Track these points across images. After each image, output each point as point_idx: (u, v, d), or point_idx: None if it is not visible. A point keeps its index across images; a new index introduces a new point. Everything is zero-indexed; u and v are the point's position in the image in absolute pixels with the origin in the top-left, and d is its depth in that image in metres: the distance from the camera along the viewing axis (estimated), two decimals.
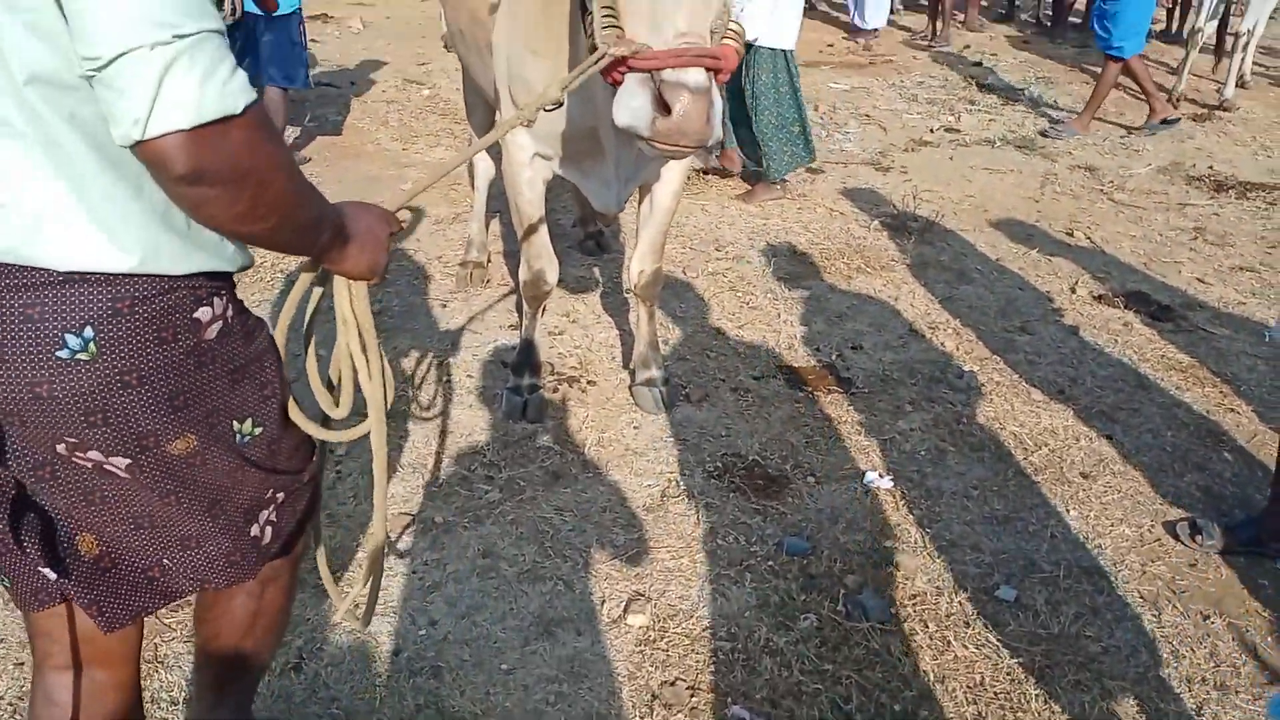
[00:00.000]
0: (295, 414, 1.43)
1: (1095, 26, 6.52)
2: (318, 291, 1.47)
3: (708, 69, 1.67)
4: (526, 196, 2.67)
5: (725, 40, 1.75)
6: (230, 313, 1.30)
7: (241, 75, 1.07)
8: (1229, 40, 7.78)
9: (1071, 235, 4.86)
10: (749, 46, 4.66)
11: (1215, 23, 7.80)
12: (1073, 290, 4.22)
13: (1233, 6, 7.97)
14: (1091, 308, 4.09)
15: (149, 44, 0.98)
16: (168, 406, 1.22)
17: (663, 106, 1.65)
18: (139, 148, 1.03)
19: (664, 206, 2.90)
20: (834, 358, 3.60)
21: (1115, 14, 6.33)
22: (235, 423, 1.33)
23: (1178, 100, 7.43)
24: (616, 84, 1.73)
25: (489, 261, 4.19)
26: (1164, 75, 8.43)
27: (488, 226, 4.28)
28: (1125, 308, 4.07)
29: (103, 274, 1.14)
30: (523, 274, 2.89)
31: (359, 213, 1.38)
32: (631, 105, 1.68)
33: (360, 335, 1.44)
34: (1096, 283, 4.30)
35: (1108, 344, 3.78)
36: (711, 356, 3.58)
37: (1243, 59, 7.59)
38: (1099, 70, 8.54)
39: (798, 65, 4.98)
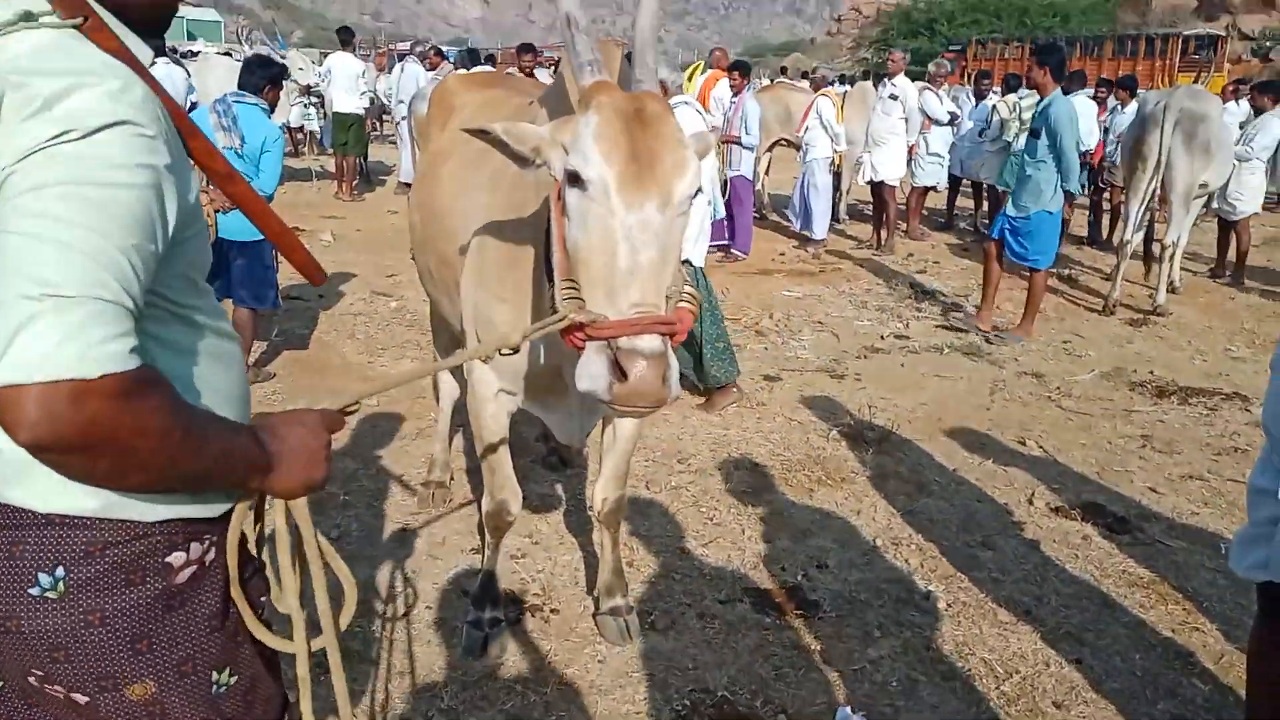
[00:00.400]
0: (250, 620, 1.36)
1: (1009, 243, 6.82)
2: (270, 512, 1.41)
3: (662, 334, 1.74)
4: (491, 429, 2.71)
5: (681, 304, 1.83)
6: (211, 556, 1.29)
7: (119, 345, 1.03)
8: (1156, 248, 8.24)
9: (1024, 444, 4.97)
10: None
11: (1142, 233, 8.29)
12: (1030, 502, 4.28)
13: (1155, 215, 8.49)
14: (1050, 520, 4.13)
15: (15, 296, 0.99)
16: (129, 649, 1.23)
17: (619, 372, 1.72)
18: None
19: (627, 434, 2.95)
20: (800, 577, 3.58)
21: (1029, 233, 6.69)
22: (215, 672, 1.31)
23: (1114, 306, 7.81)
24: (575, 348, 1.80)
25: (451, 480, 4.18)
26: (1098, 281, 8.90)
27: (451, 443, 4.29)
28: (1083, 520, 4.12)
29: (78, 518, 1.19)
30: (486, 504, 2.89)
31: (287, 429, 1.31)
32: (590, 372, 1.75)
33: (302, 551, 1.38)
34: (1053, 494, 4.37)
35: (1069, 559, 3.80)
36: (677, 578, 3.54)
37: (1170, 267, 8.03)
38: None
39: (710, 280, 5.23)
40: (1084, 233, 11.14)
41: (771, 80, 17.82)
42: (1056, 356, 6.63)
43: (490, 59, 17.49)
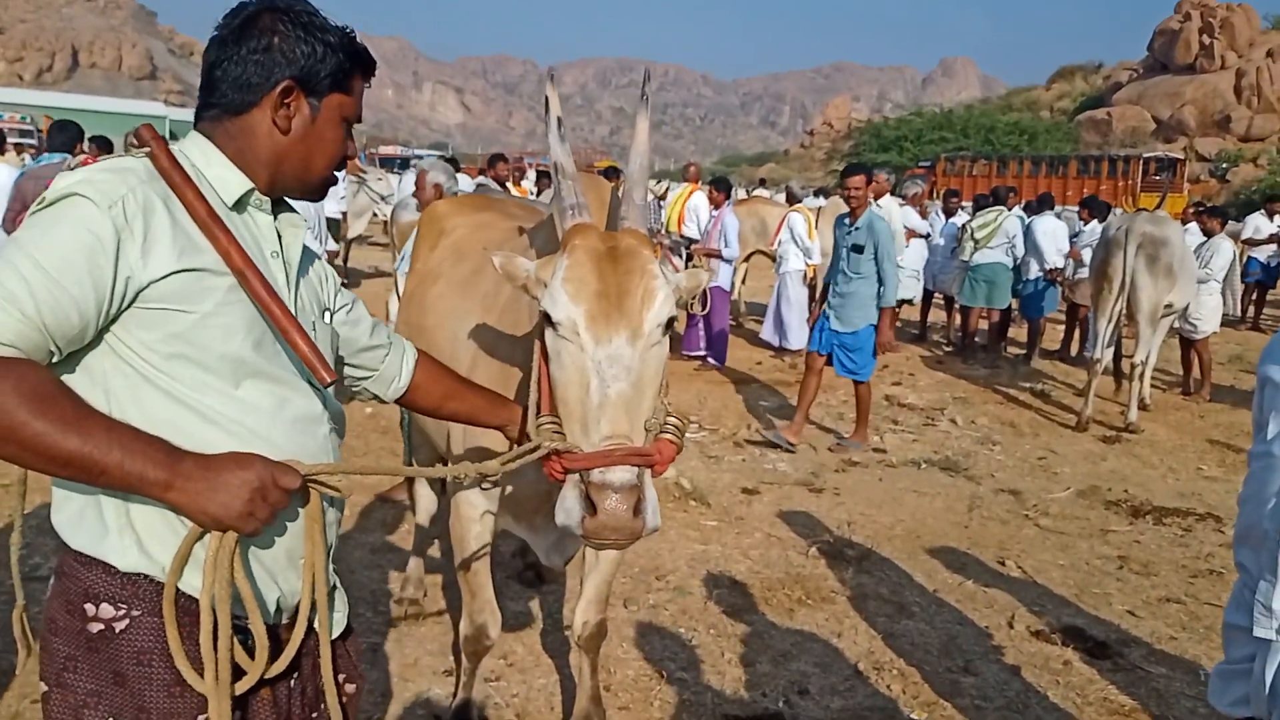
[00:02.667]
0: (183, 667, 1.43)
1: (838, 357, 6.86)
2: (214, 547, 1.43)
3: (636, 465, 1.75)
4: (474, 551, 2.68)
5: (664, 435, 1.85)
6: (122, 626, 1.43)
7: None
8: (1126, 365, 8.39)
9: (1004, 564, 4.96)
10: None
11: (1110, 351, 8.45)
12: (1010, 625, 4.25)
13: (1123, 330, 8.67)
14: (1031, 644, 4.10)
15: None
16: (62, 662, 1.46)
17: (591, 505, 1.72)
18: None
19: (610, 557, 2.92)
20: (781, 704, 3.51)
21: (858, 348, 6.76)
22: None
23: (1087, 423, 7.91)
24: (553, 478, 1.81)
25: (425, 595, 4.11)
26: (1071, 397, 9.03)
27: (424, 557, 4.23)
28: (1063, 644, 4.09)
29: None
30: (464, 628, 2.84)
31: (224, 458, 1.41)
32: (564, 506, 1.77)
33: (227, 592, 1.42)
34: (1033, 616, 4.34)
35: (1050, 686, 3.76)
36: (655, 705, 3.46)
37: (1140, 385, 8.16)
38: (1011, 390, 9.14)
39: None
40: (1055, 347, 11.34)
41: (748, 193, 18.26)
42: (1032, 474, 6.67)
43: (454, 162, 17.79)
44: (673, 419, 1.87)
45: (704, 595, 4.35)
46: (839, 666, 3.82)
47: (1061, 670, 3.89)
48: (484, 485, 1.73)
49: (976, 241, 10.43)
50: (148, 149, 1.48)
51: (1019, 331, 11.68)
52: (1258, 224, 14.51)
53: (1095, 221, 10.18)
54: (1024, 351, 11.05)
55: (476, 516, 2.63)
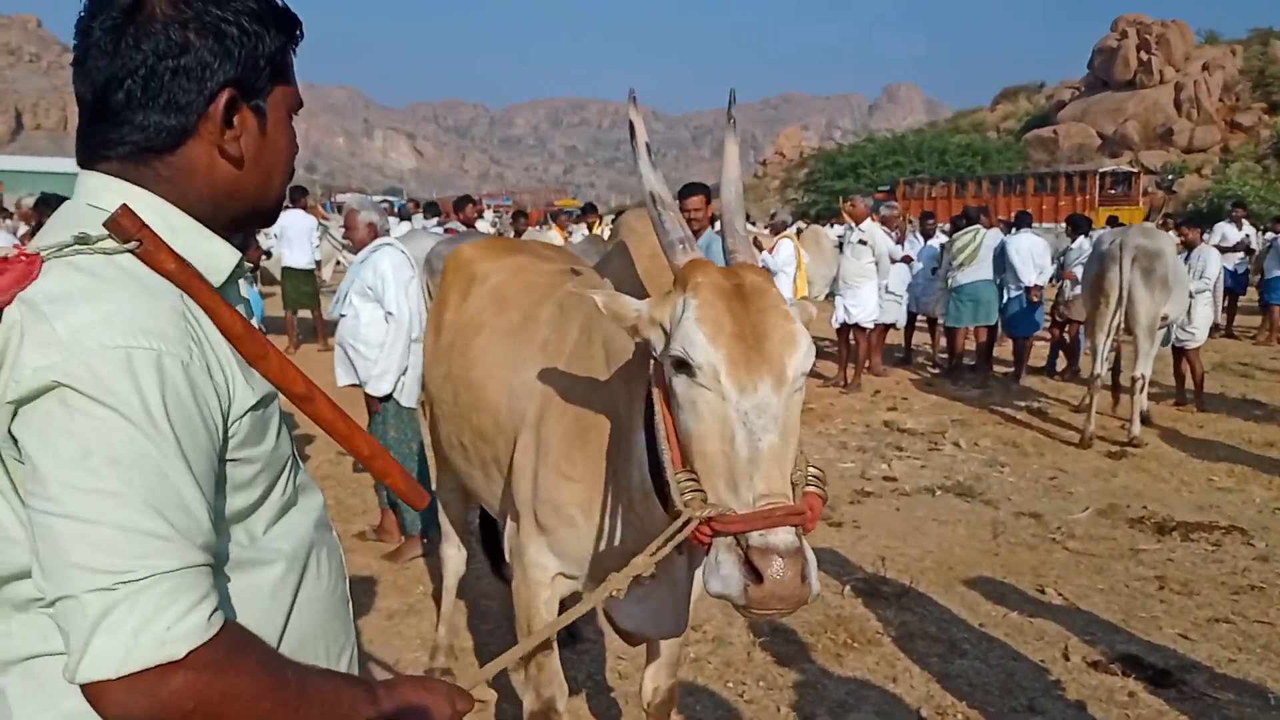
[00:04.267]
0: None
1: None
2: None
3: (794, 525, 1.58)
4: (543, 617, 2.46)
5: (809, 488, 1.68)
6: None
7: (197, 615, 0.99)
8: (1126, 379, 8.34)
9: (1043, 591, 4.82)
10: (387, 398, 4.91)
11: (1108, 366, 8.41)
12: (1066, 657, 4.09)
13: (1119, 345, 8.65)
14: (1090, 676, 3.94)
15: (84, 591, 0.95)
16: None
17: (753, 572, 1.54)
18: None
19: (671, 628, 2.71)
20: None
21: None
22: None
23: (1091, 440, 7.83)
24: (700, 543, 1.62)
25: (457, 661, 3.87)
26: (1067, 413, 8.97)
27: (451, 623, 3.99)
28: (1123, 674, 3.94)
29: None
30: (529, 704, 2.61)
31: (414, 693, 1.22)
32: (722, 574, 1.57)
33: None
34: (1086, 646, 4.19)
35: (1120, 719, 3.60)
36: None
37: (1141, 398, 8.11)
38: (1008, 410, 9.08)
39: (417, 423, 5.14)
40: (1041, 364, 11.33)
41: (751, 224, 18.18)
42: (1048, 494, 6.56)
43: (432, 206, 17.63)
44: (812, 469, 1.69)
45: (746, 645, 4.15)
46: (900, 714, 3.64)
47: (1128, 703, 3.73)
48: (644, 578, 1.53)
49: (958, 262, 10.42)
50: (133, 244, 1.08)
51: (1002, 350, 11.65)
52: (1225, 232, 14.69)
53: (1082, 238, 10.20)
54: (1011, 370, 11.03)
55: (548, 581, 2.43)
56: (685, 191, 6.01)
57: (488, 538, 3.88)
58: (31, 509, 0.99)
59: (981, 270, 10.38)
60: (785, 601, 1.54)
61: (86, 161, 1.17)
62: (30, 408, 0.98)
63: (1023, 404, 9.44)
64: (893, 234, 11.20)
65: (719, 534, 1.58)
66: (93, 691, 0.96)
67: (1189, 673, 3.98)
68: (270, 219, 1.31)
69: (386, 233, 5.38)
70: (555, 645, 2.59)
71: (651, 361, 1.83)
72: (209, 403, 1.07)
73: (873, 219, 10.52)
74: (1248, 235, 15.10)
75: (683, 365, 1.68)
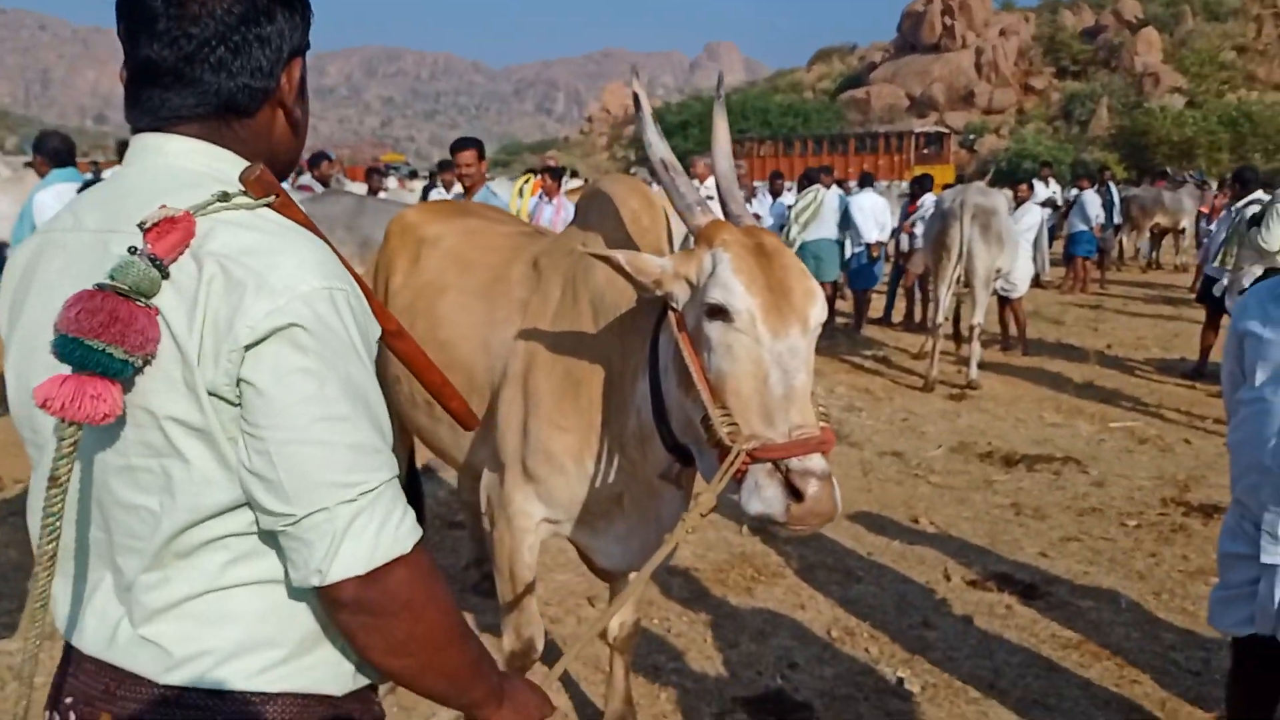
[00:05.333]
0: None
1: None
2: None
3: (824, 452, 1.79)
4: (526, 562, 2.59)
5: (822, 423, 1.88)
6: None
7: (410, 516, 1.15)
8: (965, 328, 9.03)
9: (917, 522, 5.28)
10: None
11: (947, 314, 9.09)
12: (947, 578, 4.54)
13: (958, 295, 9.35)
14: (970, 593, 4.40)
15: (336, 503, 1.08)
16: None
17: (793, 493, 1.74)
18: (316, 589, 1.11)
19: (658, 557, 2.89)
20: (778, 680, 3.61)
21: None
22: None
23: (933, 384, 8.49)
24: (740, 472, 1.80)
25: None
26: (908, 360, 9.65)
27: None
28: (999, 590, 4.42)
29: (196, 690, 1.14)
30: (509, 643, 2.73)
31: (521, 686, 1.38)
32: (765, 496, 1.76)
33: None
34: (963, 568, 4.65)
35: (1002, 629, 4.05)
36: (661, 698, 3.48)
37: (977, 345, 8.83)
38: (855, 359, 9.64)
39: None
40: (878, 316, 12.07)
41: (585, 180, 18.15)
42: (904, 435, 7.10)
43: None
44: (820, 406, 1.90)
45: (662, 585, 4.38)
46: (814, 637, 3.96)
47: (1006, 614, 4.20)
48: (703, 515, 1.72)
49: (801, 221, 10.91)
50: (271, 198, 1.17)
51: (843, 304, 12.31)
52: (1035, 189, 15.92)
53: (928, 195, 10.89)
54: (849, 322, 11.71)
55: (532, 527, 2.55)
56: (457, 146, 5.95)
57: (410, 491, 3.93)
58: (266, 440, 1.07)
59: (824, 229, 10.89)
60: (820, 517, 1.75)
61: (157, 125, 1.20)
62: (259, 349, 1.05)
63: (869, 353, 10.08)
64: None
65: (758, 461, 1.77)
66: (334, 590, 1.09)
67: (1052, 585, 4.49)
68: (287, 178, 1.39)
69: None
70: (534, 588, 2.72)
71: (671, 313, 1.98)
72: (370, 333, 1.19)
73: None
74: (1055, 192, 16.46)
75: (718, 312, 1.84)
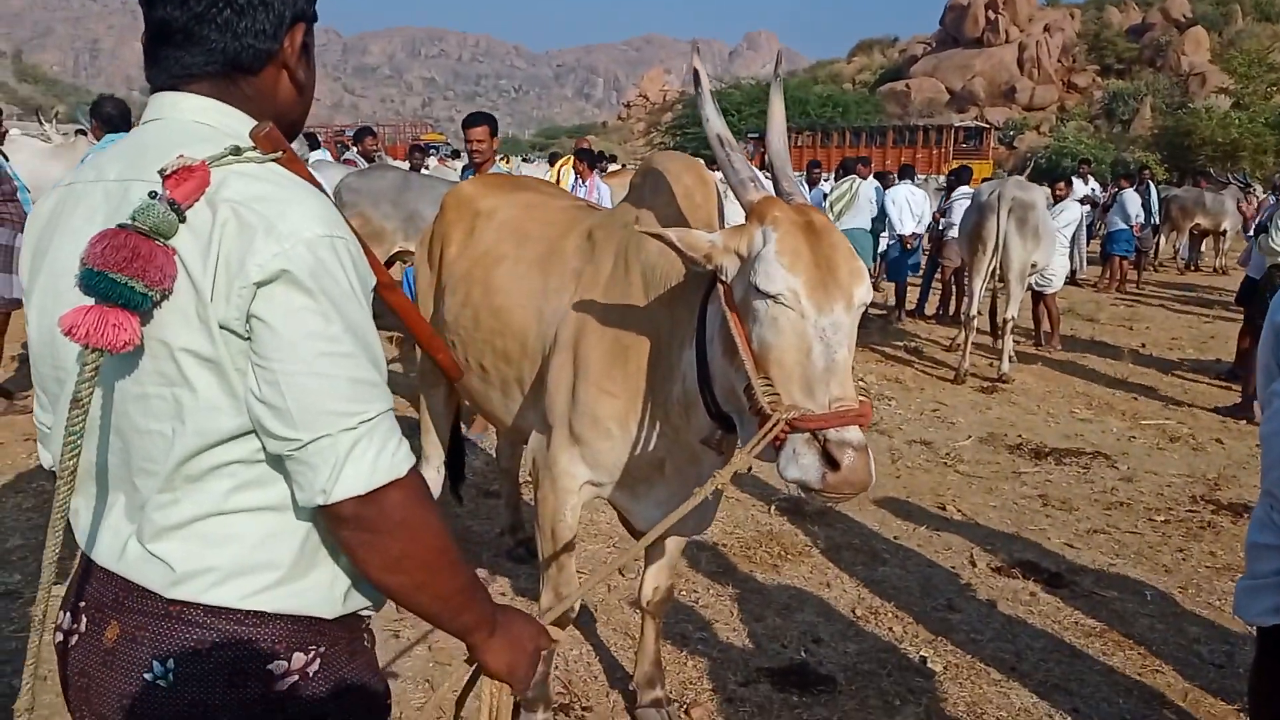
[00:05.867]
0: None
1: None
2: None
3: (862, 425, 1.86)
4: (569, 524, 2.68)
5: (861, 397, 1.95)
6: (315, 667, 1.31)
7: (405, 445, 1.25)
8: (999, 321, 9.01)
9: (944, 509, 5.32)
10: None
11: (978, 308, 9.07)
12: (973, 563, 4.58)
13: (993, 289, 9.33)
14: (996, 579, 4.44)
15: (338, 430, 1.18)
16: None
17: (830, 462, 1.81)
18: (320, 508, 1.21)
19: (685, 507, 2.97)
20: (802, 653, 3.68)
21: None
22: None
23: (965, 376, 8.48)
24: (778, 440, 1.87)
25: None
26: (940, 352, 9.65)
27: None
28: (1024, 578, 4.46)
29: (196, 607, 1.24)
30: (548, 601, 2.82)
31: (516, 617, 1.46)
32: (802, 463, 1.83)
33: None
34: (989, 554, 4.70)
35: (1026, 615, 4.10)
36: (689, 665, 3.56)
37: (1009, 339, 8.81)
38: (887, 349, 9.64)
39: None
40: (912, 307, 12.04)
41: (623, 165, 18.23)
42: (934, 425, 7.13)
43: (312, 137, 17.07)
44: (860, 382, 1.96)
45: (691, 560, 4.46)
46: (839, 614, 4.03)
47: (1031, 600, 4.24)
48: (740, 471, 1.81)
49: (836, 211, 10.91)
50: (278, 153, 1.27)
51: (875, 295, 12.29)
52: (1074, 186, 15.79)
53: (962, 186, 10.84)
54: (883, 313, 11.71)
55: (576, 489, 2.63)
56: (469, 121, 5.94)
57: (452, 457, 4.03)
58: (276, 371, 1.16)
59: (858, 218, 10.89)
60: (855, 486, 1.82)
61: (172, 83, 1.31)
62: (269, 288, 1.15)
63: (900, 344, 10.08)
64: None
65: (797, 430, 1.84)
66: (336, 509, 1.20)
67: (1077, 575, 4.53)
68: (294, 139, 1.46)
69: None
70: (574, 548, 2.81)
71: (720, 285, 2.05)
72: (367, 280, 1.28)
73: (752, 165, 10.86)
74: (1094, 189, 16.31)
75: (762, 288, 1.91)
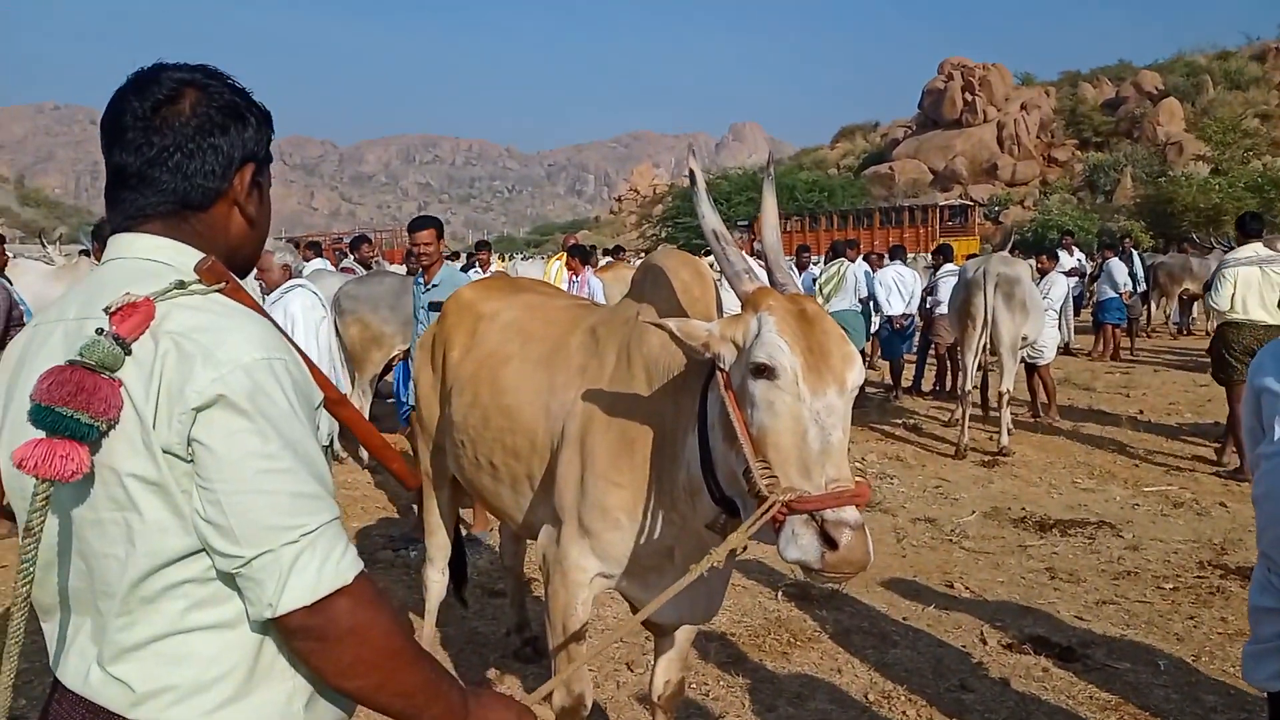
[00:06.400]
0: None
1: None
2: None
3: (859, 505, 1.91)
4: (579, 617, 2.69)
5: (858, 478, 2.00)
6: None
7: (352, 551, 1.30)
8: (993, 395, 9.09)
9: (952, 587, 5.30)
10: None
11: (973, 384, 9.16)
12: (983, 642, 4.55)
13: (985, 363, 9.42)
14: (1007, 656, 4.41)
15: (280, 545, 1.23)
16: None
17: (828, 542, 1.86)
18: (271, 620, 1.25)
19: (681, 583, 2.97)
20: None
21: None
22: None
23: (965, 451, 8.51)
24: (777, 521, 1.92)
25: None
26: (939, 428, 9.68)
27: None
28: (1035, 653, 4.42)
29: None
30: (559, 700, 2.82)
31: (492, 702, 1.46)
32: (800, 543, 1.88)
33: None
34: (999, 631, 4.67)
35: (1040, 691, 4.06)
36: None
37: (1006, 412, 8.87)
38: (885, 427, 9.68)
39: None
40: (908, 385, 12.13)
41: (614, 257, 18.48)
42: (937, 501, 7.13)
43: (315, 245, 17.37)
44: (856, 463, 2.02)
45: (700, 650, 4.43)
46: (852, 700, 3.99)
47: (1043, 677, 4.21)
48: (737, 554, 1.84)
49: (825, 294, 11.09)
50: (222, 284, 1.35)
51: (871, 374, 12.38)
52: (1059, 259, 16.03)
53: (948, 265, 11.05)
54: (881, 391, 11.78)
55: (587, 581, 2.66)
56: (415, 225, 5.78)
57: (454, 559, 4.04)
58: (218, 491, 1.22)
59: (847, 300, 11.06)
60: (854, 565, 1.87)
61: (127, 224, 1.41)
62: (209, 413, 1.22)
63: (899, 421, 10.13)
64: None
65: (795, 512, 1.89)
66: (285, 621, 1.24)
67: (1089, 648, 4.50)
68: (250, 269, 1.57)
69: (299, 274, 5.48)
70: (585, 640, 2.82)
71: (718, 373, 2.13)
72: (310, 396, 1.35)
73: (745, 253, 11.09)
74: (1080, 260, 16.56)
75: (763, 371, 2.00)
